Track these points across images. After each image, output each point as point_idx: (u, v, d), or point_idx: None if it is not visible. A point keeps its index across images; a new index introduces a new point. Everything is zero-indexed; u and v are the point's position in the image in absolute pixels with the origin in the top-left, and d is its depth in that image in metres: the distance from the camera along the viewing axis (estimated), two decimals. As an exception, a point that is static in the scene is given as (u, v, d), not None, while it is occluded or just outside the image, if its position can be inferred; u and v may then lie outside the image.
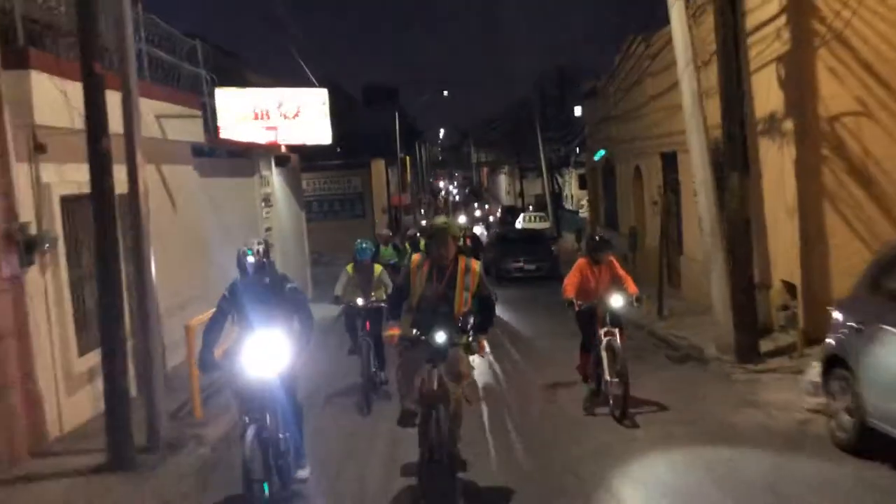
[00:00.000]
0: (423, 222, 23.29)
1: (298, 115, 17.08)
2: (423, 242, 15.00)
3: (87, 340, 8.20)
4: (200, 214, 11.73)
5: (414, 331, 5.60)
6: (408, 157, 48.75)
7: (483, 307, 5.84)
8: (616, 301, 7.72)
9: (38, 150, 7.56)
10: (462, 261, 5.73)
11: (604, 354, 7.57)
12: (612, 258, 8.18)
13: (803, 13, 9.71)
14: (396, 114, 40.05)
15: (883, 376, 5.36)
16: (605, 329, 7.65)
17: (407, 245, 15.71)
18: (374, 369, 8.84)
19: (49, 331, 7.59)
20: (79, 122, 7.69)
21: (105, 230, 6.36)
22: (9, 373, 6.75)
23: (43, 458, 6.92)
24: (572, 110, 45.04)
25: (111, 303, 6.44)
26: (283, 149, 17.16)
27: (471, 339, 5.65)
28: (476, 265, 5.80)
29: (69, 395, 7.84)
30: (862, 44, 9.54)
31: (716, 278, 9.73)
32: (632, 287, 7.95)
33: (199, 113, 11.41)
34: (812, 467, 5.74)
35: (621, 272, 8.14)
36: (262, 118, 16.68)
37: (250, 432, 5.18)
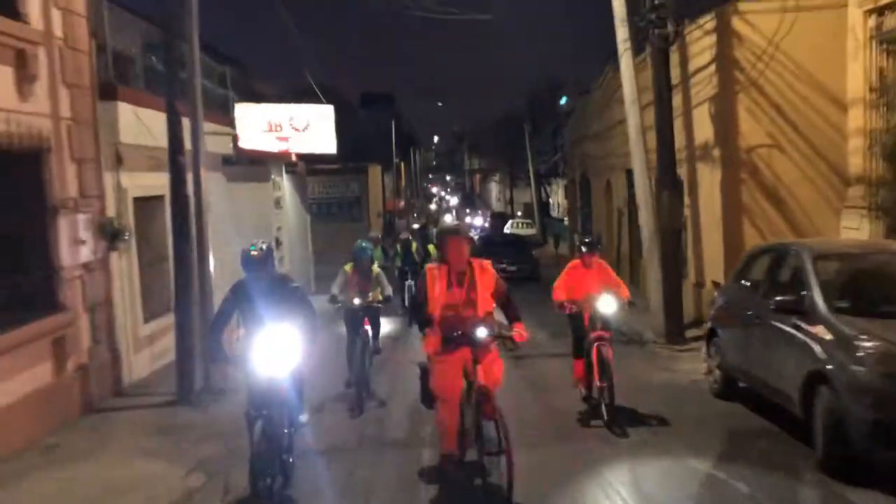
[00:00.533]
0: (415, 225, 25.36)
1: (308, 128, 19.20)
2: (414, 245, 17.20)
3: (149, 311, 10.38)
4: (226, 214, 13.88)
5: (457, 332, 5.52)
6: (402, 163, 50.93)
7: (506, 300, 5.79)
8: (607, 305, 7.59)
9: (118, 161, 9.76)
10: (475, 262, 5.70)
11: (594, 360, 7.47)
12: (602, 262, 8.13)
13: (727, 64, 12.00)
14: (393, 122, 42.23)
15: (734, 341, 7.64)
16: (596, 334, 7.53)
17: (398, 247, 17.73)
18: (368, 365, 8.78)
19: (123, 303, 9.75)
20: (147, 140, 9.98)
21: (181, 224, 8.56)
22: (100, 334, 8.93)
23: (123, 398, 9.11)
24: (562, 123, 47.15)
25: (184, 280, 8.64)
26: (294, 157, 19.34)
27: (509, 331, 5.66)
28: (488, 263, 5.79)
29: (136, 353, 9.99)
30: (773, 90, 11.83)
31: (652, 277, 11.99)
32: (624, 292, 7.85)
33: (232, 130, 13.63)
34: (690, 405, 8.06)
35: (614, 276, 8.05)
36: (275, 130, 18.75)
37: (258, 427, 5.31)
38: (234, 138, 14.78)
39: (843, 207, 11.47)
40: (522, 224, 44.83)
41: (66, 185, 8.33)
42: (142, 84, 11.37)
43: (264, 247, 5.66)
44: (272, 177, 18.73)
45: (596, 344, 7.47)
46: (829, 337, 5.84)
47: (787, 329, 6.36)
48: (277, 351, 5.48)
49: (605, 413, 7.33)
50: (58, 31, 8.26)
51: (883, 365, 5.34)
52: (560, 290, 7.87)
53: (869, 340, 5.51)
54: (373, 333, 9.21)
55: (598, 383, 7.45)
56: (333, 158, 25.16)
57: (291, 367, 5.65)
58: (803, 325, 6.17)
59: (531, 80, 52.70)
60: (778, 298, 6.41)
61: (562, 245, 29.00)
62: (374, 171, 38.09)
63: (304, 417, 6.51)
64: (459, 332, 5.50)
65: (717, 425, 7.19)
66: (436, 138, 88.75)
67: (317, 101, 21.94)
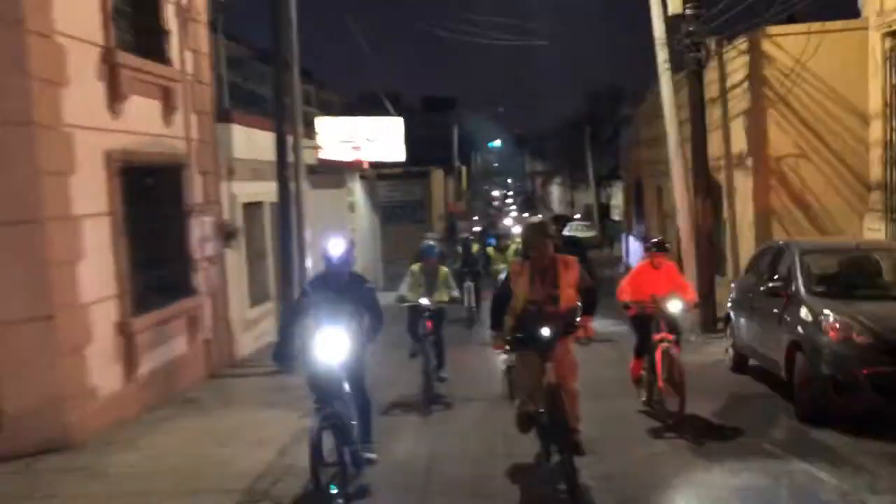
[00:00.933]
0: (475, 228, 26.74)
1: (379, 138, 21.22)
2: (475, 246, 18.64)
3: (254, 298, 12.36)
4: (311, 218, 15.82)
5: (519, 335, 5.63)
6: (464, 166, 52.67)
7: (586, 294, 5.84)
8: (674, 306, 7.55)
9: (230, 173, 11.76)
10: (560, 258, 5.73)
11: (658, 360, 7.40)
12: (671, 263, 8.17)
13: (758, 81, 13.33)
14: (454, 126, 44.03)
15: (743, 323, 9.12)
16: (661, 335, 7.47)
17: (458, 248, 19.17)
18: (433, 367, 8.81)
19: (234, 291, 11.73)
20: (252, 155, 11.96)
21: (286, 224, 10.50)
22: (219, 315, 10.91)
23: (234, 368, 11.08)
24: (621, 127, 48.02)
25: (287, 270, 10.56)
26: (366, 165, 21.34)
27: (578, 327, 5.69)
28: (573, 260, 5.81)
29: (243, 333, 11.98)
30: (800, 105, 13.11)
31: (689, 274, 13.40)
32: (690, 294, 7.88)
33: (317, 143, 15.62)
34: (710, 377, 9.54)
35: (681, 279, 8.09)
36: (350, 140, 20.86)
37: (318, 418, 5.36)
38: (317, 149, 16.78)
39: (866, 211, 12.68)
40: (580, 227, 45.95)
41: (196, 194, 10.32)
42: (227, 97, 13.38)
43: (346, 242, 5.97)
44: (347, 183, 20.74)
45: (661, 345, 7.41)
46: (806, 314, 7.32)
47: (778, 310, 7.84)
48: (339, 345, 5.60)
49: (666, 412, 7.34)
50: (190, 68, 10.26)
51: (840, 334, 6.82)
52: (626, 290, 7.90)
53: (832, 314, 6.99)
54: (436, 340, 8.96)
55: (660, 385, 7.39)
56: (398, 163, 27.20)
57: (352, 365, 5.76)
58: (789, 306, 7.65)
59: (592, 84, 53.61)
60: (769, 285, 7.90)
61: (616, 247, 30.24)
62: (437, 175, 39.92)
63: (373, 455, 6.21)
64: (519, 336, 5.63)
65: (726, 391, 8.73)
66: (497, 142, 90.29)
67: (380, 105, 23.97)
